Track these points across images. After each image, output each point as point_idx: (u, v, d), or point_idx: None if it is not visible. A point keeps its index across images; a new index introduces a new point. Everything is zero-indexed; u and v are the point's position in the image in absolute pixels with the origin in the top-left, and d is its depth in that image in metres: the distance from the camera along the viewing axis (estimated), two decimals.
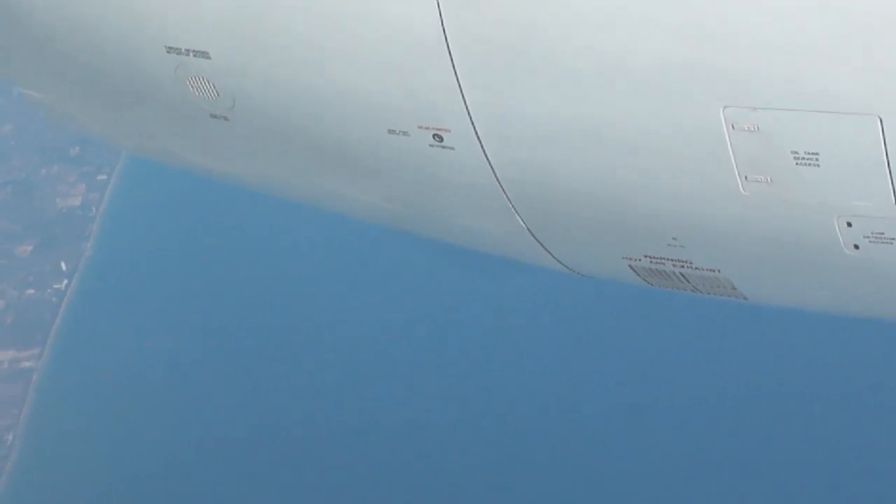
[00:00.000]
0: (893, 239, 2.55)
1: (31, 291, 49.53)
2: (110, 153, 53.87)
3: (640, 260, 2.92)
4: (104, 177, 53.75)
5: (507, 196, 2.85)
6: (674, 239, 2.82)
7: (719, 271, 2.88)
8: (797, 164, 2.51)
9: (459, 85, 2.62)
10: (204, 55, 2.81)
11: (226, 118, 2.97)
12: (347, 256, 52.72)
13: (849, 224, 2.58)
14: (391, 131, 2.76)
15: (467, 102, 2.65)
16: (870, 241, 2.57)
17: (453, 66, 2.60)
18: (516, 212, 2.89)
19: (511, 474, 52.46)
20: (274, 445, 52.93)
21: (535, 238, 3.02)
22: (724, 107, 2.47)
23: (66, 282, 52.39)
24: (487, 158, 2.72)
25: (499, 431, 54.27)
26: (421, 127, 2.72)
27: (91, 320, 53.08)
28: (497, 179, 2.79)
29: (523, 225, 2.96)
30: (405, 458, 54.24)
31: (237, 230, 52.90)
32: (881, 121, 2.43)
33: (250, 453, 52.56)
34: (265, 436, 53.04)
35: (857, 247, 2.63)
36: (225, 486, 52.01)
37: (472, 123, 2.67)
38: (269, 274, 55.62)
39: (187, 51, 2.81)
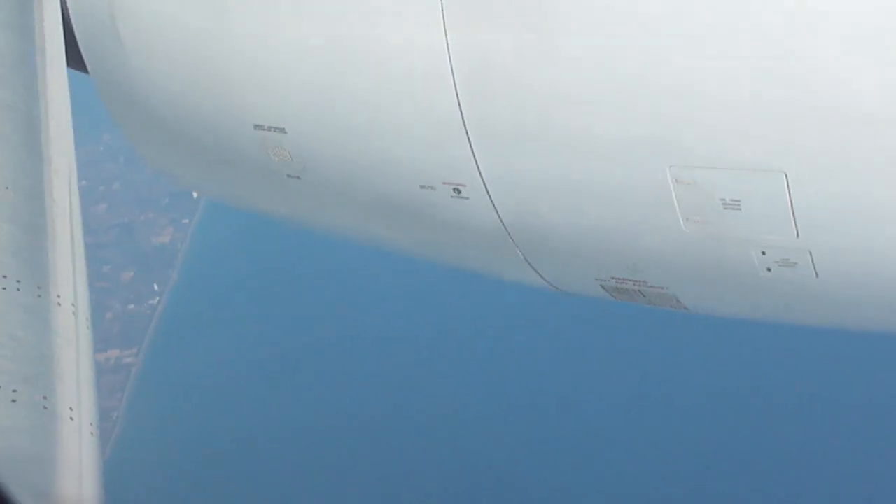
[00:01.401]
0: (796, 263, 3.17)
1: (132, 306, 57.29)
2: (191, 202, 59.43)
3: (608, 280, 3.62)
4: (187, 220, 61.35)
5: (509, 234, 3.52)
6: (634, 264, 3.50)
7: (667, 289, 3.57)
8: (724, 208, 3.12)
9: (473, 152, 3.26)
10: (282, 131, 3.50)
11: (298, 177, 3.69)
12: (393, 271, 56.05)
13: (763, 253, 3.19)
14: (422, 186, 3.45)
15: (479, 164, 3.28)
16: (778, 265, 3.18)
17: (468, 138, 3.24)
18: (516, 245, 3.57)
19: (515, 472, 57.05)
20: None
21: (529, 265, 3.71)
22: (670, 166, 3.06)
23: (157, 299, 60.17)
24: (494, 205, 3.39)
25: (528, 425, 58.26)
26: (444, 183, 3.40)
27: (177, 328, 59.09)
28: (501, 221, 3.46)
29: (521, 255, 3.65)
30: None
31: (295, 260, 57.12)
32: (786, 175, 3.02)
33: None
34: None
35: (769, 269, 3.24)
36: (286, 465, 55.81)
37: (482, 179, 3.32)
38: (319, 290, 59.82)
39: (269, 127, 3.50)
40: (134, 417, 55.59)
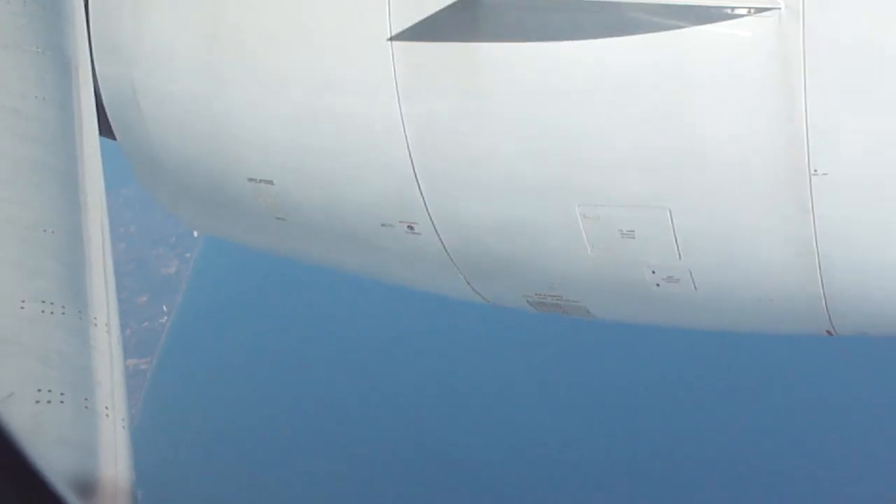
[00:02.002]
0: (679, 280, 3.56)
1: (146, 324, 64.31)
2: (193, 240, 66.56)
3: (531, 296, 4.00)
4: (189, 255, 68.19)
5: (453, 262, 3.88)
6: (552, 283, 3.85)
7: (579, 302, 3.93)
8: (622, 237, 3.51)
9: (423, 196, 3.66)
10: (270, 182, 3.88)
11: (284, 219, 4.04)
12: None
13: (653, 272, 3.58)
14: (383, 224, 3.84)
15: (427, 206, 3.68)
16: (665, 282, 3.57)
17: (419, 185, 3.63)
18: (459, 271, 3.95)
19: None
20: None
21: (469, 285, 4.08)
22: (578, 205, 3.45)
23: (166, 318, 67.13)
24: (440, 239, 3.76)
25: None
26: (400, 221, 3.78)
27: (182, 341, 65.73)
28: (447, 252, 3.84)
29: (463, 278, 4.01)
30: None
31: (280, 285, 62.94)
32: (670, 211, 3.40)
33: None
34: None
35: (658, 285, 3.62)
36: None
37: (431, 218, 3.72)
38: (303, 307, 66.08)
39: (260, 180, 3.86)
40: (149, 413, 61.36)
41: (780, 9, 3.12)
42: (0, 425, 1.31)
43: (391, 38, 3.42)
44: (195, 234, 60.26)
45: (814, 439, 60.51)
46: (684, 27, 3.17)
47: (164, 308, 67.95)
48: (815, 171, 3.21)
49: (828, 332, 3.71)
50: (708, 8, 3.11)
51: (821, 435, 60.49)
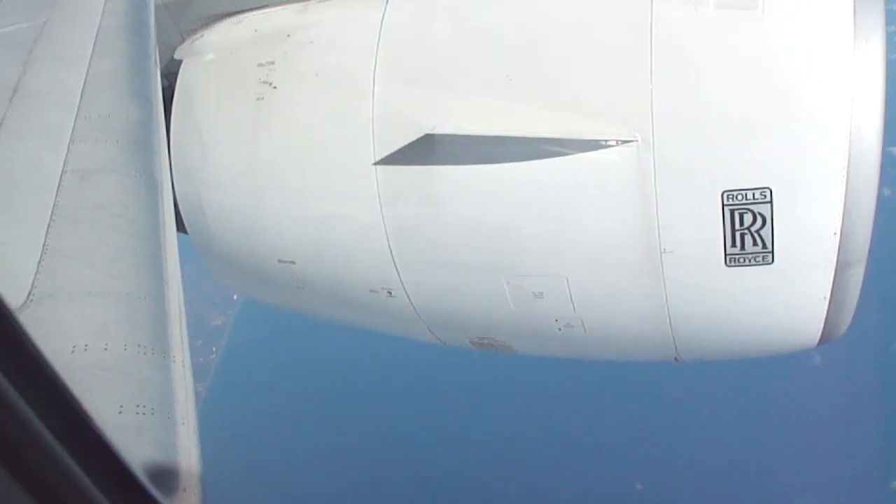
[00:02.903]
0: (574, 326, 3.52)
1: (202, 359, 62.94)
2: (235, 302, 65.37)
3: (473, 339, 3.96)
4: (231, 312, 67.03)
5: (419, 317, 3.86)
6: (487, 330, 3.83)
7: (506, 342, 3.89)
8: (535, 297, 3.50)
9: (398, 273, 3.63)
10: (293, 263, 3.86)
11: (303, 288, 4.01)
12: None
13: (556, 321, 3.55)
14: (371, 291, 3.80)
15: (402, 279, 3.66)
16: (565, 327, 3.55)
17: (396, 266, 3.63)
18: (424, 323, 3.92)
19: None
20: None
21: (430, 332, 4.03)
22: (504, 276, 3.49)
23: (214, 355, 66.78)
24: (411, 301, 3.73)
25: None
26: (383, 288, 3.75)
27: (226, 375, 64.48)
28: (415, 310, 3.80)
29: (426, 327, 3.96)
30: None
31: (307, 333, 60.34)
32: (567, 280, 3.41)
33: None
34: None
35: (560, 329, 3.60)
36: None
37: (404, 287, 3.69)
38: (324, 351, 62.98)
39: (284, 261, 3.84)
40: (203, 424, 60.37)
41: (637, 140, 3.23)
42: (98, 432, 1.34)
43: (375, 163, 3.51)
44: (235, 297, 63.35)
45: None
46: (573, 153, 3.27)
47: (213, 349, 67.96)
48: (664, 250, 3.31)
49: (675, 358, 3.80)
50: (588, 141, 3.22)
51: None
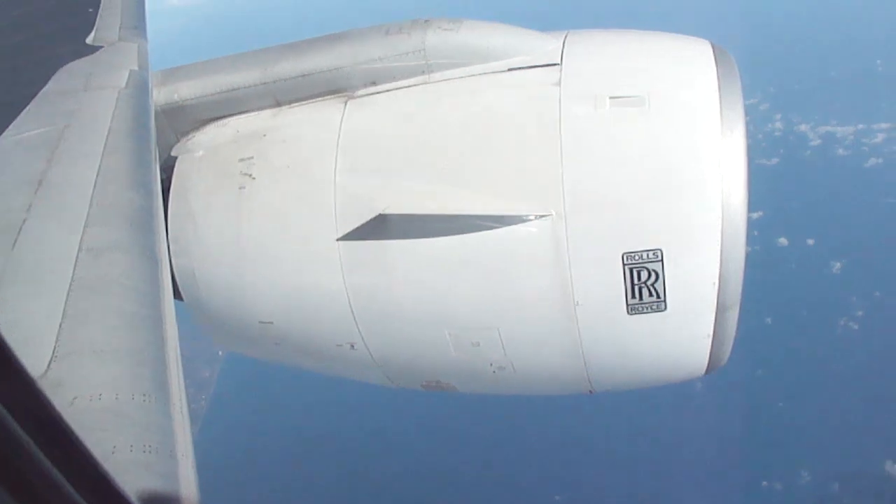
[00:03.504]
0: (505, 368, 3.49)
1: (193, 405, 51.08)
2: (220, 357, 64.27)
3: (423, 382, 3.89)
4: (217, 365, 66.55)
5: (378, 365, 3.78)
6: (436, 374, 3.80)
7: (451, 383, 3.83)
8: (472, 346, 3.45)
9: (359, 330, 3.58)
10: (271, 323, 3.80)
11: (279, 344, 3.94)
12: None
13: (490, 364, 3.51)
14: (337, 345, 3.72)
15: (363, 336, 3.60)
16: (499, 370, 3.51)
17: (357, 325, 3.58)
18: (382, 370, 3.83)
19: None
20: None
21: (387, 378, 3.94)
22: (448, 329, 3.46)
23: (203, 402, 65.02)
24: (370, 353, 3.66)
25: None
26: (347, 342, 3.68)
27: (214, 419, 62.52)
28: (374, 360, 3.74)
29: (383, 374, 3.88)
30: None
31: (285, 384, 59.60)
32: (499, 331, 3.39)
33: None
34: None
35: (494, 372, 3.56)
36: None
37: (364, 342, 3.64)
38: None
39: (264, 322, 3.77)
40: (199, 464, 58.89)
41: (552, 214, 3.30)
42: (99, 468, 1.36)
43: (338, 239, 3.52)
44: (220, 353, 60.70)
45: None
46: (500, 227, 3.32)
47: (203, 397, 66.94)
48: (577, 302, 3.36)
49: (590, 391, 3.81)
50: (512, 216, 3.29)
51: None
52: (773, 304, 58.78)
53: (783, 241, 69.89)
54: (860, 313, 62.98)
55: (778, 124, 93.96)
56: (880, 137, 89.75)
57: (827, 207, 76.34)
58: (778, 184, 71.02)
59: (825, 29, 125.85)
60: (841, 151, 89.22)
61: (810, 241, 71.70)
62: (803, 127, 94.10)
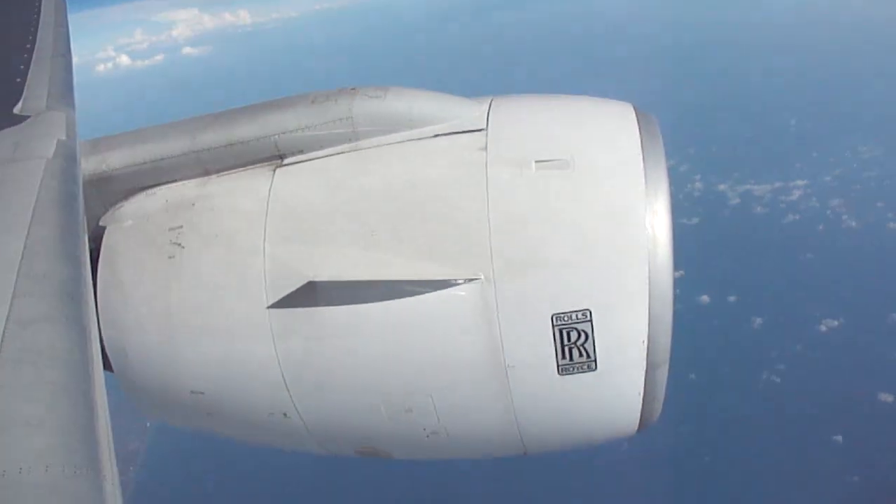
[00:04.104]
0: (438, 433, 3.43)
1: (123, 476, 63.71)
2: (147, 428, 61.67)
3: (358, 448, 3.81)
4: (145, 436, 64.68)
5: (311, 434, 3.71)
6: (370, 440, 3.71)
7: (386, 449, 3.74)
8: (405, 412, 3.38)
9: (293, 400, 3.51)
10: (202, 393, 3.71)
11: (211, 415, 3.84)
12: None
13: (424, 429, 3.49)
14: (270, 414, 3.64)
15: (294, 403, 3.53)
16: (433, 435, 3.48)
17: (289, 392, 3.53)
18: (315, 439, 3.75)
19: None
20: None
21: (322, 447, 3.86)
22: (381, 398, 3.40)
23: (132, 474, 61.91)
24: (302, 420, 3.58)
25: None
26: (280, 412, 3.62)
27: (144, 488, 60.60)
28: (307, 429, 3.66)
29: (317, 443, 3.79)
30: None
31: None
32: (432, 397, 3.36)
33: None
34: None
35: (428, 437, 3.51)
36: None
37: (298, 411, 3.55)
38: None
39: (195, 392, 3.70)
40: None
41: (481, 278, 3.32)
42: None
43: (268, 307, 3.48)
44: (148, 425, 59.76)
45: None
46: (428, 292, 3.33)
47: (132, 469, 64.73)
48: (509, 365, 3.36)
49: (524, 453, 3.77)
50: (440, 281, 3.30)
51: None
52: (697, 360, 59.25)
53: (705, 298, 70.86)
54: (782, 367, 64.51)
55: (698, 184, 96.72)
56: (797, 194, 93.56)
57: (747, 264, 78.27)
58: (699, 243, 72.12)
59: (741, 91, 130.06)
60: (759, 209, 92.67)
61: (732, 298, 72.90)
62: (722, 186, 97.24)
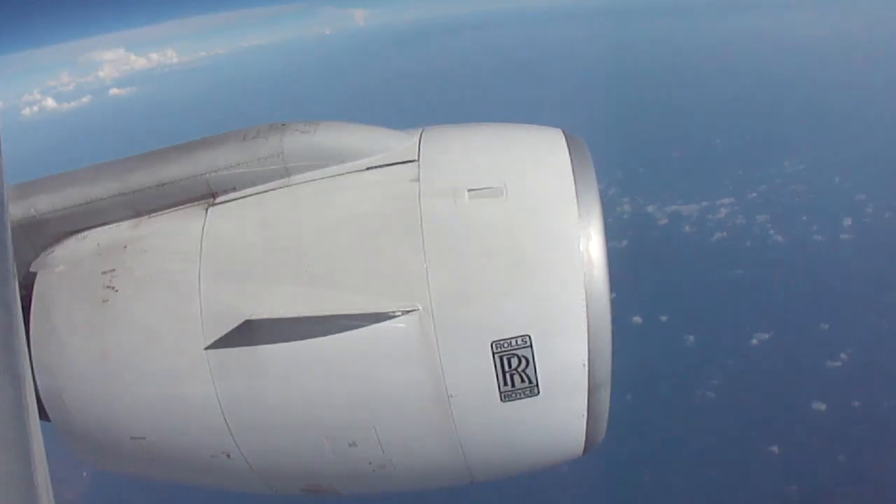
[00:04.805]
0: (385, 466, 3.40)
1: None
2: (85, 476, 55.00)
3: (303, 486, 3.72)
4: (83, 478, 57.89)
5: (255, 474, 3.63)
6: (314, 478, 3.66)
7: (331, 485, 3.64)
8: (349, 446, 3.38)
9: (233, 436, 3.45)
10: (143, 438, 3.61)
11: (153, 460, 3.74)
12: None
13: (370, 463, 3.44)
14: (211, 456, 3.56)
15: (236, 443, 3.47)
16: (379, 468, 3.43)
17: (229, 429, 3.44)
18: (260, 479, 3.68)
19: None
20: None
21: (267, 486, 3.79)
22: (324, 433, 3.37)
23: None
24: (245, 460, 3.51)
25: None
26: (222, 452, 3.55)
27: None
28: (251, 469, 3.61)
29: (264, 483, 3.73)
30: None
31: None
32: (375, 428, 3.33)
33: None
34: None
35: (374, 471, 3.48)
36: None
37: (240, 450, 3.50)
38: None
39: (136, 437, 3.61)
40: None
41: (419, 309, 3.31)
42: None
43: (206, 348, 3.43)
44: (85, 475, 55.73)
45: None
46: (367, 325, 3.31)
47: None
48: (450, 395, 3.35)
49: (471, 481, 3.75)
50: (378, 314, 3.27)
51: None
52: (633, 381, 59.82)
53: (637, 319, 71.51)
54: (716, 382, 65.25)
55: (626, 207, 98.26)
56: (723, 212, 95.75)
57: (677, 283, 79.68)
58: (629, 264, 73.06)
59: (667, 113, 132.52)
60: (687, 228, 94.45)
61: (663, 318, 73.58)
62: (651, 208, 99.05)
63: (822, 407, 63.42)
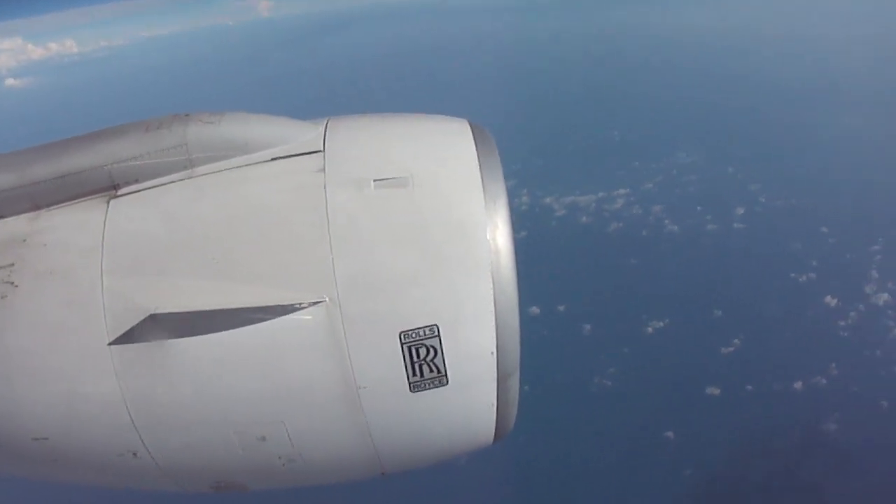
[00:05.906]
0: (295, 460, 3.38)
1: None
2: None
3: (213, 483, 3.71)
4: None
5: (164, 473, 3.62)
6: (226, 475, 3.64)
7: (241, 481, 3.68)
8: (258, 441, 3.42)
9: (139, 434, 3.41)
10: (46, 439, 3.52)
11: (56, 461, 3.66)
12: None
13: (279, 457, 3.44)
14: (119, 455, 3.51)
15: (143, 440, 3.43)
16: (288, 462, 3.41)
17: (135, 427, 3.42)
18: (169, 477, 3.65)
19: None
20: None
21: (177, 484, 3.74)
22: (233, 428, 3.36)
23: None
24: (152, 458, 3.48)
25: None
26: (128, 451, 3.50)
27: None
28: (157, 465, 3.56)
29: (171, 480, 3.69)
30: None
31: None
32: (284, 423, 3.33)
33: None
34: None
35: (283, 465, 3.49)
36: None
37: (145, 447, 3.45)
38: None
39: (38, 438, 3.49)
40: None
41: (326, 300, 3.32)
42: None
43: (109, 344, 3.38)
44: None
45: None
46: (273, 317, 3.30)
47: None
48: (360, 386, 3.37)
49: (382, 473, 3.79)
50: (284, 306, 3.27)
51: None
52: (531, 371, 59.76)
53: (535, 310, 72.37)
54: (612, 370, 66.55)
55: (525, 198, 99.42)
56: (620, 203, 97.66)
57: (575, 273, 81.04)
58: (528, 255, 73.58)
59: (562, 104, 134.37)
60: (585, 219, 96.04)
61: (561, 308, 74.70)
62: (548, 199, 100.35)
63: (717, 391, 65.16)
